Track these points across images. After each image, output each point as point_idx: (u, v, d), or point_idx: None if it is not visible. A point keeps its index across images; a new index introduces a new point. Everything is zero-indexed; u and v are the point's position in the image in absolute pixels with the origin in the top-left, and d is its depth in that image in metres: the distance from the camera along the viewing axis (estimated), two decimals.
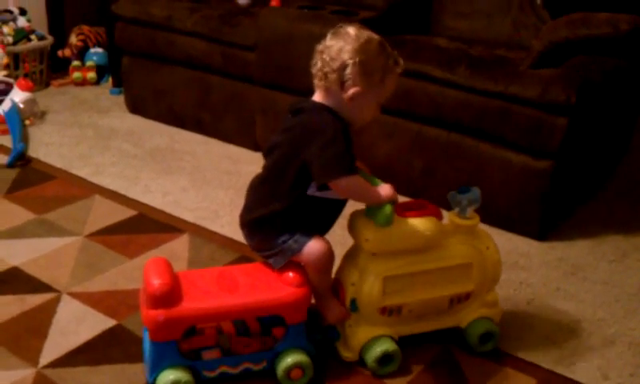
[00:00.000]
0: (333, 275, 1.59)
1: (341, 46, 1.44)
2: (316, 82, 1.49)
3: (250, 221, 1.54)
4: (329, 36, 1.47)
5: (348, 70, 1.43)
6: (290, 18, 2.55)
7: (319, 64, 1.47)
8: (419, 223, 1.51)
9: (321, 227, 1.54)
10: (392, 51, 1.49)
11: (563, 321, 1.78)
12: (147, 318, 1.39)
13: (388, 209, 1.46)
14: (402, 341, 1.57)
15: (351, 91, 1.44)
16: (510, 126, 2.09)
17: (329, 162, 1.42)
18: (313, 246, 1.48)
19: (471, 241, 1.58)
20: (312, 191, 1.48)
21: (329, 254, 1.50)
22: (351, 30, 1.45)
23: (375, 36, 1.47)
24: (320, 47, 1.47)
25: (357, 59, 1.42)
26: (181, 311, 1.39)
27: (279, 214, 1.49)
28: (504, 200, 2.17)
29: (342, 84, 1.45)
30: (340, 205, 1.55)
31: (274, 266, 1.51)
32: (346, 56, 1.43)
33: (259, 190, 1.54)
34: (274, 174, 1.51)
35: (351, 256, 1.57)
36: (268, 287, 1.47)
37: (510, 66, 2.15)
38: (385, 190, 1.48)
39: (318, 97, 1.50)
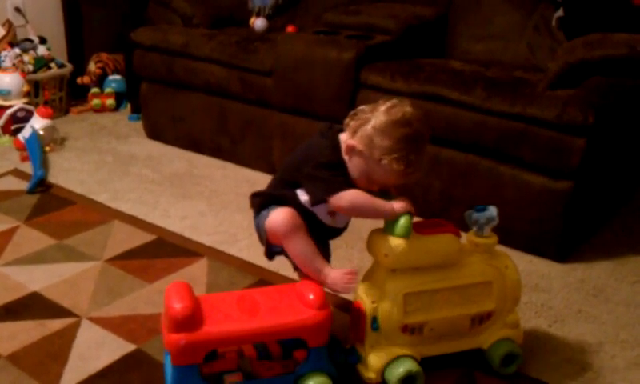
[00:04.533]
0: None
1: (385, 109, 1.46)
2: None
3: (251, 195, 1.62)
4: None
5: (365, 125, 1.46)
6: (307, 43, 2.58)
7: (361, 107, 1.51)
8: (438, 240, 1.51)
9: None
10: (414, 154, 1.45)
11: (586, 343, 1.76)
12: (169, 342, 1.38)
13: (404, 219, 1.46)
14: (424, 364, 1.55)
15: (350, 141, 1.48)
16: (527, 147, 2.09)
17: (319, 182, 1.47)
18: (277, 211, 1.51)
19: (490, 260, 1.58)
20: (302, 196, 1.52)
21: (292, 215, 1.50)
22: (405, 106, 1.47)
23: (417, 128, 1.45)
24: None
25: (376, 123, 1.44)
26: (202, 335, 1.38)
27: (271, 195, 1.57)
28: (523, 222, 2.15)
29: (354, 131, 1.48)
30: (326, 230, 1.58)
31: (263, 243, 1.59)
32: (375, 115, 1.45)
33: (268, 185, 1.63)
34: (279, 176, 1.60)
35: (370, 275, 1.57)
36: (289, 310, 1.46)
37: (527, 88, 2.16)
38: (398, 202, 1.48)
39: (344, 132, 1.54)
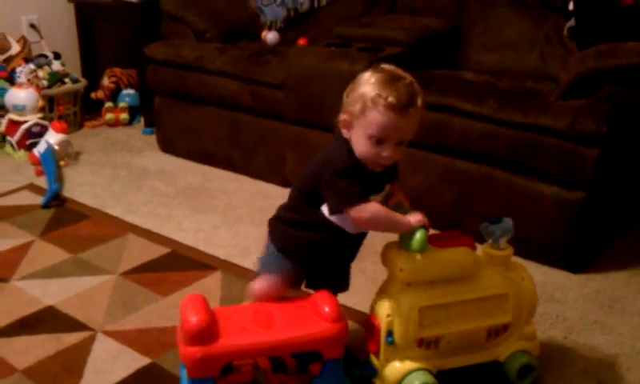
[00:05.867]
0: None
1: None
2: None
3: (270, 219, 1.61)
4: None
5: (345, 101, 1.46)
6: (319, 55, 2.59)
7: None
8: (453, 253, 1.51)
9: (324, 256, 1.55)
10: (392, 87, 1.39)
11: (602, 354, 1.75)
12: (185, 354, 1.39)
13: (419, 233, 1.45)
14: (439, 377, 1.55)
15: (340, 117, 1.46)
16: (540, 157, 2.09)
17: (337, 193, 1.44)
18: (265, 278, 1.56)
19: (506, 272, 1.57)
20: (325, 211, 1.49)
21: (270, 295, 1.56)
22: (384, 66, 1.46)
23: (388, 72, 1.43)
24: None
25: (349, 91, 1.45)
26: (218, 348, 1.39)
27: (289, 222, 1.54)
28: (537, 232, 2.15)
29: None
30: (353, 241, 1.56)
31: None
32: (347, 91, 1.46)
33: (289, 197, 1.59)
34: (297, 187, 1.56)
35: (385, 288, 1.56)
36: (304, 323, 1.46)
37: (539, 98, 2.15)
38: (414, 216, 1.47)
39: None
